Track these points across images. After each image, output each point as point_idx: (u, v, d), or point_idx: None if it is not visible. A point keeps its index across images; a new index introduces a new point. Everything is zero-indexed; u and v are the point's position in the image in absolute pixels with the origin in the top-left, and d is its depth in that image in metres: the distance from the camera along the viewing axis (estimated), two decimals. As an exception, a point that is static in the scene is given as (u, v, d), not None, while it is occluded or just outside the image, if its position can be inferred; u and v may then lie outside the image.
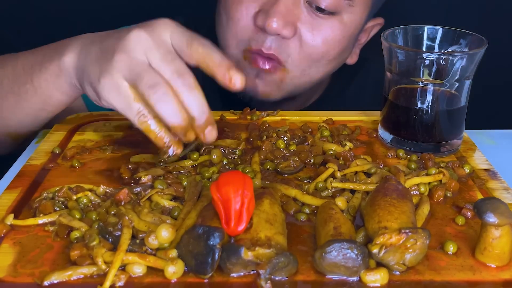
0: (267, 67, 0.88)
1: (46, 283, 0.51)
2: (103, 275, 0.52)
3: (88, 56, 0.68)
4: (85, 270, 0.52)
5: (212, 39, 1.03)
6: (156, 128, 0.63)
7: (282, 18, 0.84)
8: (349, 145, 0.75)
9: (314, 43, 0.88)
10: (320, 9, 0.86)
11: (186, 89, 0.62)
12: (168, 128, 0.63)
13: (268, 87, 0.91)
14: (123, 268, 0.52)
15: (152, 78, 0.61)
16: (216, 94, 1.00)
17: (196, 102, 0.62)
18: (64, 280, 0.52)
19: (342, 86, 1.05)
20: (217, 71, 0.63)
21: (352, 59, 0.99)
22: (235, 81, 0.63)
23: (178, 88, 0.62)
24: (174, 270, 0.51)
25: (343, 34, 0.90)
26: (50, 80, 0.73)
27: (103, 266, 0.52)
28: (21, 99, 0.76)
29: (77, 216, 0.59)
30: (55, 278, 0.51)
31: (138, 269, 0.52)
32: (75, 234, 0.56)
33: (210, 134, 0.65)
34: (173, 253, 0.52)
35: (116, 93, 0.63)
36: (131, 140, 0.79)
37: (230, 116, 0.86)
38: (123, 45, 0.64)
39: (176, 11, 1.11)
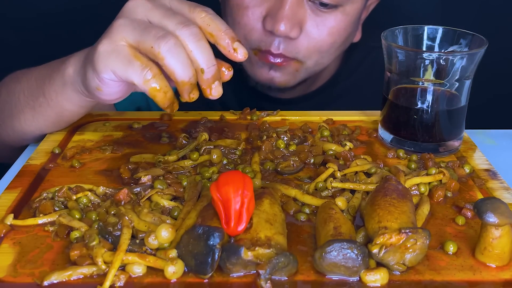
0: (279, 61, 0.91)
1: (46, 283, 0.51)
2: (103, 275, 0.52)
3: (85, 56, 0.67)
4: (85, 270, 0.52)
5: None
6: (164, 86, 0.59)
7: (289, 21, 0.86)
8: (349, 145, 0.75)
9: (321, 37, 0.91)
10: (323, 4, 0.88)
11: (193, 39, 0.59)
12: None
13: (284, 77, 0.94)
14: (123, 268, 0.52)
15: (160, 30, 0.59)
16: (231, 94, 1.01)
17: (204, 53, 0.59)
18: (64, 280, 0.52)
19: (349, 71, 1.07)
20: (222, 40, 0.61)
21: (356, 37, 1.01)
22: (239, 52, 0.61)
23: (185, 38, 0.59)
24: (174, 270, 0.51)
25: (347, 23, 0.92)
26: (59, 91, 0.73)
27: (103, 266, 0.52)
28: (37, 113, 0.77)
29: (77, 216, 0.59)
30: (55, 278, 0.51)
31: (138, 269, 0.52)
32: (75, 234, 0.56)
33: (216, 89, 0.61)
34: (173, 253, 0.52)
35: (115, 55, 0.60)
36: (131, 140, 0.79)
37: (230, 116, 0.86)
38: (122, 12, 0.62)
39: None
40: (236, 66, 0.93)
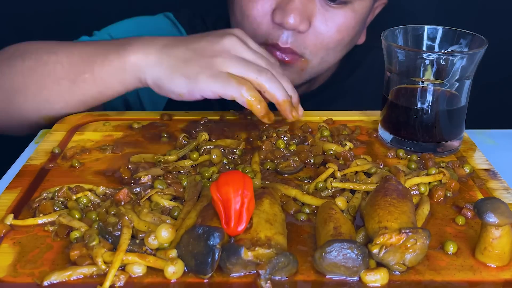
0: (287, 58, 0.92)
1: (45, 283, 0.51)
2: (103, 275, 0.52)
3: (172, 56, 0.76)
4: (85, 270, 0.52)
5: (220, 28, 1.06)
6: (257, 96, 0.74)
7: (299, 14, 0.87)
8: (349, 145, 0.75)
9: (329, 33, 0.91)
10: (333, 0, 0.89)
11: (280, 75, 0.77)
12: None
13: (290, 75, 0.94)
14: (123, 268, 0.52)
15: (257, 66, 0.75)
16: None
17: (289, 85, 0.78)
18: (64, 280, 0.52)
19: (349, 71, 1.07)
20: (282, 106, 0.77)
21: (361, 40, 1.02)
22: (300, 113, 0.79)
23: (276, 74, 0.76)
24: (174, 270, 0.51)
25: (356, 21, 0.93)
26: (114, 73, 0.78)
27: (103, 266, 0.52)
28: (76, 87, 0.81)
29: (77, 216, 0.59)
30: (55, 278, 0.51)
31: (138, 269, 0.52)
32: (75, 234, 0.56)
33: (301, 109, 0.80)
34: (173, 253, 0.52)
35: (215, 79, 0.73)
36: (131, 140, 0.79)
37: (230, 116, 0.86)
38: (221, 47, 0.76)
39: (182, 3, 1.11)
40: None
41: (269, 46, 0.91)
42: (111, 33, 1.01)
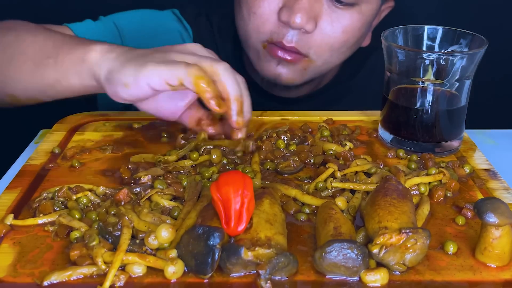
0: (289, 58, 0.91)
1: (45, 283, 0.51)
2: (103, 275, 0.52)
3: (131, 53, 0.72)
4: (85, 270, 0.52)
5: (224, 27, 1.05)
6: (206, 76, 0.66)
7: (305, 14, 0.87)
8: (349, 145, 0.75)
9: (335, 34, 0.91)
10: (339, 1, 0.89)
11: (241, 80, 0.71)
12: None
13: (291, 74, 0.94)
14: (123, 268, 0.52)
15: (212, 59, 0.70)
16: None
17: (244, 83, 0.71)
18: (64, 280, 0.52)
19: (353, 70, 1.07)
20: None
21: (366, 42, 1.01)
22: (243, 132, 0.73)
23: (233, 69, 0.70)
24: (174, 270, 0.51)
25: (362, 23, 0.93)
26: (74, 62, 0.76)
27: (103, 266, 0.52)
28: (38, 70, 0.79)
29: (77, 216, 0.59)
30: (55, 278, 0.51)
31: (138, 269, 0.52)
32: (75, 234, 0.56)
33: (245, 130, 0.74)
34: (173, 253, 0.52)
35: (163, 64, 0.68)
36: (131, 140, 0.79)
37: (230, 116, 0.86)
38: (182, 47, 0.73)
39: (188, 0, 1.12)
40: (240, 64, 0.94)
41: (272, 45, 0.91)
42: (116, 20, 1.01)
